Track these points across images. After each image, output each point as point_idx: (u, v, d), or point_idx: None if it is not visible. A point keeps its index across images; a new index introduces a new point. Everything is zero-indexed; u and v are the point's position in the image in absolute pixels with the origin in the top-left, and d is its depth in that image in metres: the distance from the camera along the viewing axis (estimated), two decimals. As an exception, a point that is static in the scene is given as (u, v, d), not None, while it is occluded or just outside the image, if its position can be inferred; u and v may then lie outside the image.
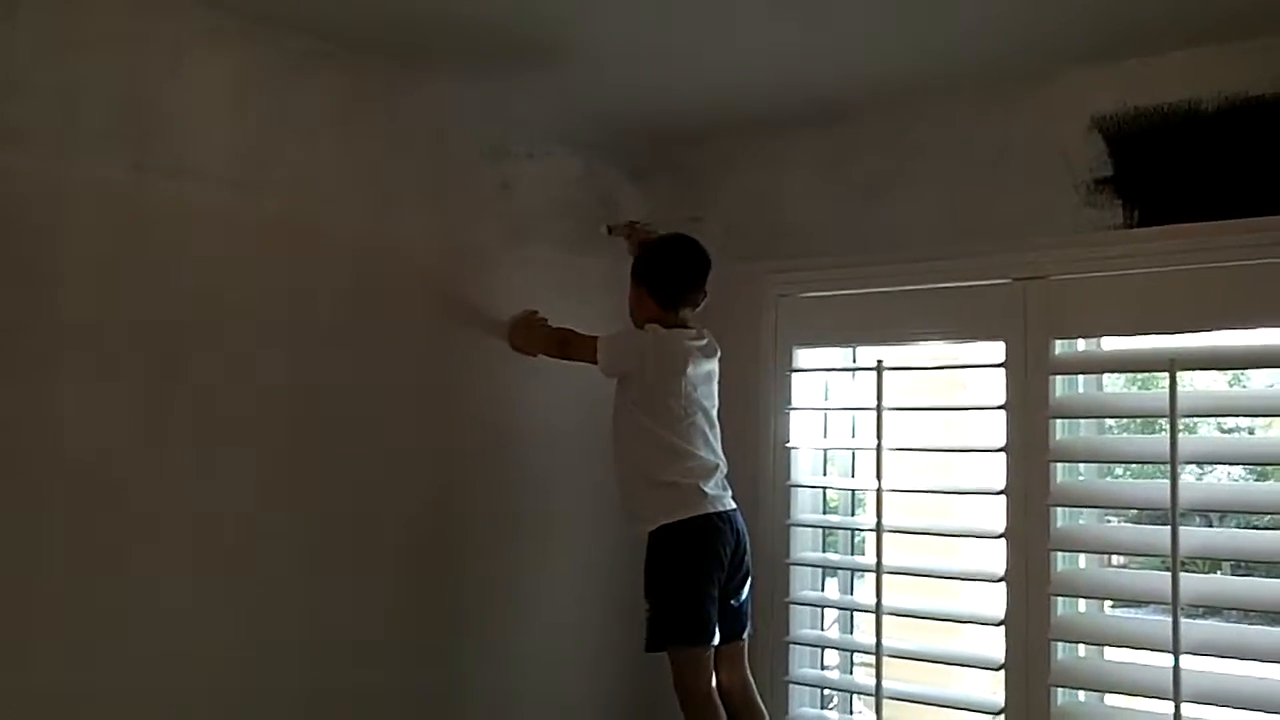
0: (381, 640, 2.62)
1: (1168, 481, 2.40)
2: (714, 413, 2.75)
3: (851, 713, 3.14)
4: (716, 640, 2.60)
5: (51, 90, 2.10)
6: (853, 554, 3.19)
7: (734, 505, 2.71)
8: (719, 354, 2.79)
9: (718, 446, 2.74)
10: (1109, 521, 2.78)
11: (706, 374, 2.74)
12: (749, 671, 2.76)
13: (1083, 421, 2.72)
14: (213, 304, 2.33)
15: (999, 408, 2.70)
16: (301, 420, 2.48)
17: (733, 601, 2.69)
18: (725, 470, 2.73)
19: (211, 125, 2.34)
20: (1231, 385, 3.17)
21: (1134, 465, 2.67)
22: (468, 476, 2.84)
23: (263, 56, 2.43)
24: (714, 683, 2.64)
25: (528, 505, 2.98)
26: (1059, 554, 2.64)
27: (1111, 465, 2.71)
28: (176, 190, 2.27)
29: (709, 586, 2.60)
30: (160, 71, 2.26)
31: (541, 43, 2.54)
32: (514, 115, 2.97)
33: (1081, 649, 2.67)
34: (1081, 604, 2.68)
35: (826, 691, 3.15)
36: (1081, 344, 2.71)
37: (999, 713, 2.67)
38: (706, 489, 2.65)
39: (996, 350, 2.74)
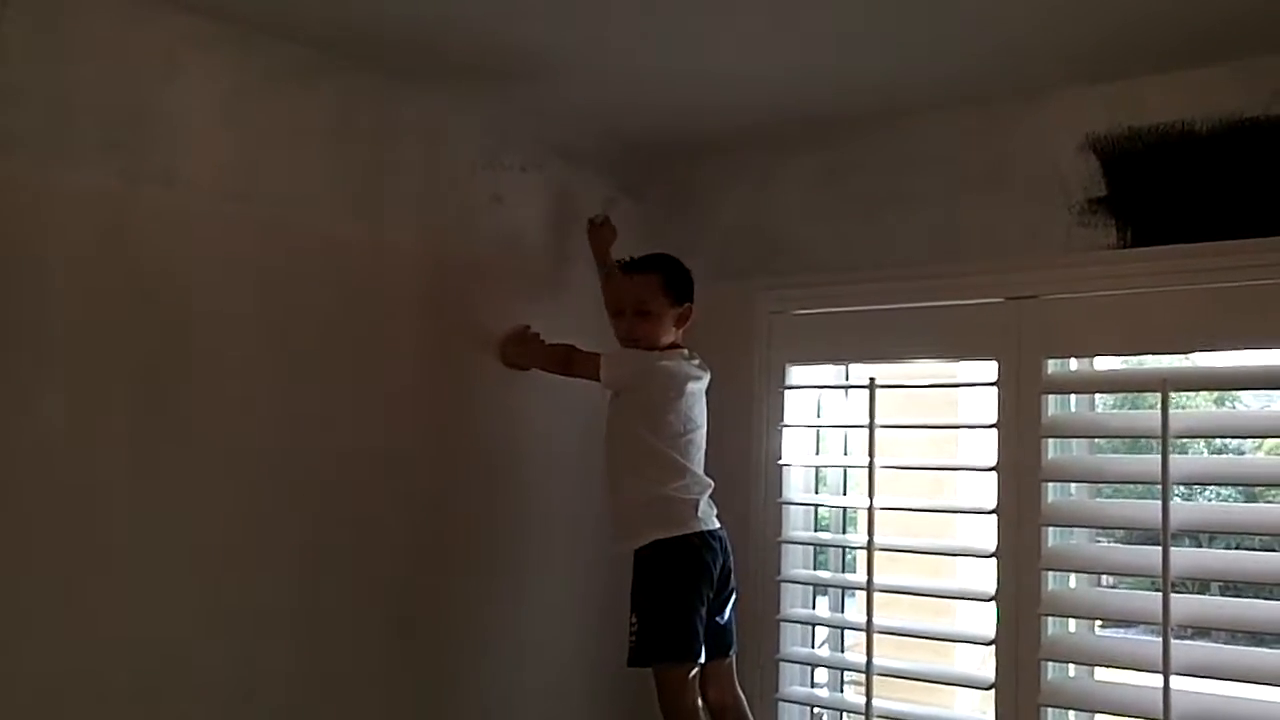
0: (372, 662, 2.60)
1: (1159, 502, 2.40)
2: (703, 432, 2.75)
3: (841, 731, 3.14)
4: (703, 658, 2.59)
5: (43, 98, 2.08)
6: (844, 572, 3.18)
7: (719, 524, 2.70)
8: (709, 374, 2.78)
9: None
10: (1100, 541, 2.77)
11: (699, 392, 2.74)
12: (740, 689, 2.75)
13: (1075, 441, 2.72)
14: (203, 314, 2.31)
15: (991, 426, 2.70)
16: (291, 432, 2.46)
17: (718, 619, 2.68)
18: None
19: (204, 134, 2.33)
20: (1219, 405, 3.18)
21: (1126, 485, 2.66)
22: (459, 488, 2.82)
23: (256, 66, 2.42)
24: (700, 701, 2.62)
25: (519, 516, 2.97)
26: (1050, 573, 2.64)
27: (1103, 485, 2.70)
28: (168, 199, 2.25)
29: (699, 604, 2.59)
30: (153, 80, 2.24)
31: (534, 56, 2.54)
32: (508, 128, 2.96)
33: (1071, 669, 2.66)
34: (1072, 624, 2.68)
35: (816, 710, 3.14)
36: (1074, 363, 2.72)
37: (989, 732, 2.66)
38: (701, 506, 2.65)
39: (989, 369, 2.74)
